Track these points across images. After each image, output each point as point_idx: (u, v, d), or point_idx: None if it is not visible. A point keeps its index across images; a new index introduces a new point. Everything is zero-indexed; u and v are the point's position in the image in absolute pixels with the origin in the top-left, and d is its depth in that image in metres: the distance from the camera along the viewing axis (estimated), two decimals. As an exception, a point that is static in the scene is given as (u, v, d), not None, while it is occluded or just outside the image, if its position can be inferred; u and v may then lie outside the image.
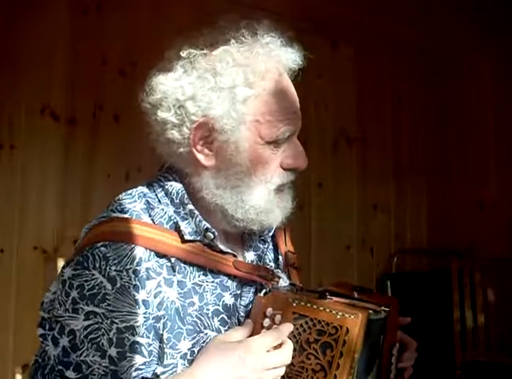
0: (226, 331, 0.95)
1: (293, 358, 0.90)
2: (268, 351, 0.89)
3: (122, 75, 2.63)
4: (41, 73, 2.43)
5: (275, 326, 0.92)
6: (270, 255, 1.12)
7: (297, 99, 1.00)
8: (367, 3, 2.99)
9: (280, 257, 1.13)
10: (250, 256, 1.06)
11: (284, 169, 0.99)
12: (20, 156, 2.37)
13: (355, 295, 1.00)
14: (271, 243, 1.13)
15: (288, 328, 0.91)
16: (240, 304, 0.99)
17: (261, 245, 1.09)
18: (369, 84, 3.52)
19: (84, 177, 2.52)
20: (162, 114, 0.96)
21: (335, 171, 3.33)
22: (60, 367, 0.88)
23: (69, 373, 0.87)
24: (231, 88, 0.93)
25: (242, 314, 0.99)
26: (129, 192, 1.00)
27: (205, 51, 0.96)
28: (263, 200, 0.98)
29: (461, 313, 2.97)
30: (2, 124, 2.35)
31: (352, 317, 0.88)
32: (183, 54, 0.97)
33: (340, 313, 0.89)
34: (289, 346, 0.90)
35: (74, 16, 2.54)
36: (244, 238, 1.07)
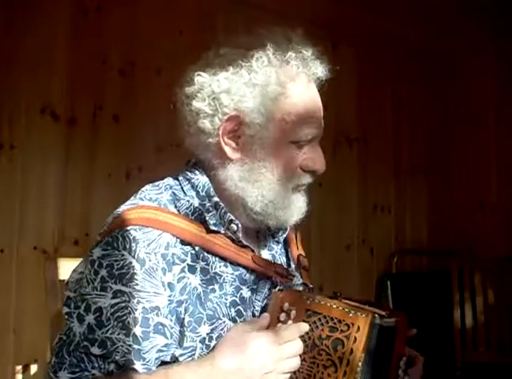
0: (241, 322, 0.99)
1: (305, 353, 0.93)
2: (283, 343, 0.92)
3: (121, 75, 2.63)
4: (41, 73, 2.44)
5: (290, 321, 0.95)
6: (282, 258, 1.16)
7: (321, 108, 1.06)
8: (367, 4, 2.99)
9: (291, 262, 1.17)
10: (265, 254, 1.10)
11: (304, 170, 1.05)
12: (20, 156, 2.37)
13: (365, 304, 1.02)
14: (282, 248, 1.17)
15: (305, 327, 0.94)
16: (256, 298, 1.03)
17: (275, 246, 1.14)
18: (369, 84, 3.52)
19: (84, 177, 2.52)
20: (196, 104, 1.02)
21: (335, 171, 3.32)
22: (85, 343, 0.90)
23: (94, 350, 0.90)
24: (263, 86, 0.99)
25: (257, 308, 1.03)
26: (156, 184, 1.06)
27: (242, 51, 1.02)
28: (281, 196, 1.03)
29: (461, 313, 2.97)
30: (2, 124, 2.35)
31: (364, 315, 0.91)
32: (222, 52, 1.03)
33: (352, 312, 0.92)
34: (298, 340, 0.93)
35: (74, 16, 2.54)
36: (259, 237, 1.12)
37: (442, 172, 3.76)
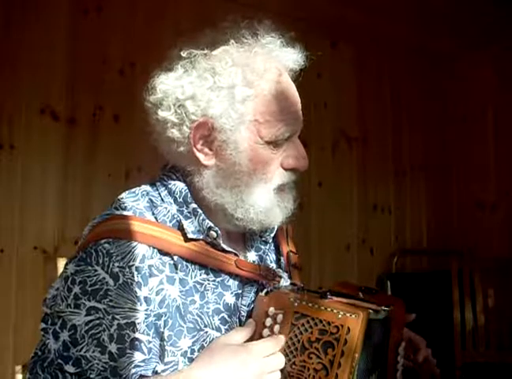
0: (226, 330, 0.96)
1: (295, 357, 0.91)
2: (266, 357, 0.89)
3: (121, 75, 2.63)
4: (41, 73, 2.44)
5: (276, 326, 0.92)
6: (271, 256, 1.12)
7: (298, 100, 1.00)
8: (366, 3, 2.99)
9: (281, 258, 1.13)
10: (252, 256, 1.06)
11: (285, 169, 0.99)
12: (20, 156, 2.37)
13: (360, 295, 1.00)
14: (272, 244, 1.13)
15: (282, 340, 0.91)
16: (241, 303, 0.99)
17: (263, 246, 1.09)
18: (369, 83, 3.52)
19: (84, 177, 2.52)
20: (162, 114, 0.97)
21: (335, 171, 3.33)
22: (60, 361, 0.88)
23: (69, 368, 0.87)
24: (229, 88, 0.94)
25: (243, 314, 0.99)
26: (133, 190, 1.01)
27: (205, 51, 0.97)
28: (263, 199, 0.98)
29: (461, 313, 2.96)
30: (2, 124, 2.35)
31: (354, 316, 0.88)
32: (184, 53, 0.98)
33: (341, 313, 0.89)
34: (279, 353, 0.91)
35: (74, 16, 2.54)
36: (246, 238, 1.07)
37: (441, 172, 3.76)
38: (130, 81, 2.61)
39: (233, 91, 0.94)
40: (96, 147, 2.56)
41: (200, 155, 0.97)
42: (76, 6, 2.54)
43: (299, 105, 1.00)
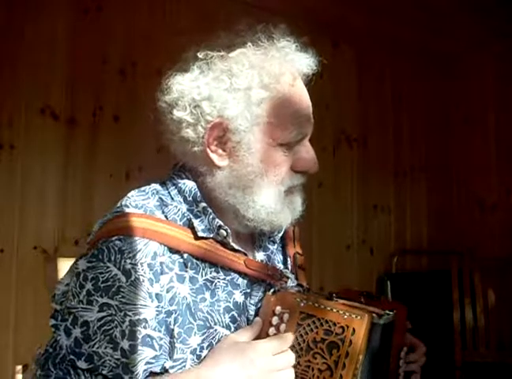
0: (235, 327, 0.97)
1: (300, 357, 0.91)
2: (275, 355, 0.90)
3: (122, 75, 2.63)
4: (41, 73, 2.44)
5: (283, 325, 0.93)
6: (279, 256, 1.13)
7: (310, 104, 1.03)
8: (367, 4, 2.99)
9: (288, 259, 1.14)
10: (260, 256, 1.07)
11: (295, 171, 1.01)
12: (20, 156, 2.37)
13: (362, 300, 1.00)
14: (280, 245, 1.14)
15: (291, 338, 0.92)
16: (250, 302, 1.01)
17: (271, 246, 1.11)
18: (370, 84, 3.52)
19: (84, 177, 2.52)
20: (178, 113, 0.98)
21: (335, 171, 3.33)
22: (72, 357, 0.89)
23: (81, 364, 0.88)
24: (246, 90, 0.95)
25: (251, 312, 1.00)
26: (143, 189, 1.02)
27: (221, 53, 0.98)
28: (274, 200, 0.99)
29: (461, 313, 2.97)
30: (2, 124, 2.35)
31: (359, 317, 0.89)
32: (200, 55, 0.99)
33: (347, 314, 0.90)
34: (290, 351, 0.91)
35: (74, 16, 2.54)
36: (254, 238, 1.09)
37: (442, 172, 3.76)
38: (130, 81, 2.61)
39: (249, 93, 0.95)
40: (96, 147, 2.56)
41: (213, 156, 0.98)
42: (76, 6, 2.55)
43: (311, 108, 1.03)
